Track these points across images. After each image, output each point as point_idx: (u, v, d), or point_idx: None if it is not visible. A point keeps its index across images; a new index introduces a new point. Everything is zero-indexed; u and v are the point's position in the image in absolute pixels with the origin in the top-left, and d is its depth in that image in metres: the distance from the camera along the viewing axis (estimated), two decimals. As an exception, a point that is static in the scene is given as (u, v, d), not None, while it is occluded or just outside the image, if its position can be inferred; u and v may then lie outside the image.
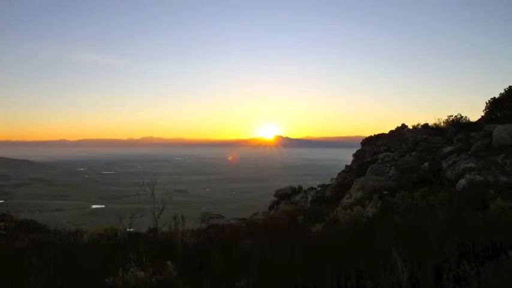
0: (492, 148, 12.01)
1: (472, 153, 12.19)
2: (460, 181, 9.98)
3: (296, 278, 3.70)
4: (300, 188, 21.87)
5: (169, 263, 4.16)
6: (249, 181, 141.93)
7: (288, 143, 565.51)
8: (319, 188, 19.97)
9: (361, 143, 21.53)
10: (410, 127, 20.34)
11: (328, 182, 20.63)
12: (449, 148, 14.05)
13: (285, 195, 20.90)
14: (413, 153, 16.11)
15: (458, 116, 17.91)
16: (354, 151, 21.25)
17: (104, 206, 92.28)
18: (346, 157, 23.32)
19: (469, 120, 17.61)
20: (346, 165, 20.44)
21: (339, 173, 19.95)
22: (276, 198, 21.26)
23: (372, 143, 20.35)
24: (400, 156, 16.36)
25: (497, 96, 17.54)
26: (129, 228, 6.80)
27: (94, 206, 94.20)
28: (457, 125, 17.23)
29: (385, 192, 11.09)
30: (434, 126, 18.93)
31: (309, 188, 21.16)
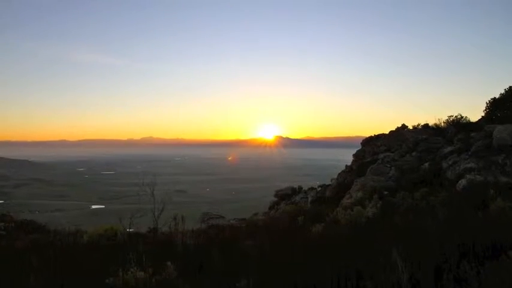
0: (492, 148, 12.00)
1: (472, 154, 12.19)
2: (460, 181, 9.97)
3: (296, 278, 3.69)
4: (300, 188, 21.87)
5: (169, 263, 4.16)
6: (249, 181, 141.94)
7: (288, 143, 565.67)
8: (319, 188, 19.97)
9: (361, 143, 21.52)
10: (411, 127, 20.34)
11: (328, 182, 20.63)
12: (449, 148, 14.05)
13: (285, 195, 20.90)
14: (414, 153, 16.10)
15: (459, 116, 17.92)
16: (354, 151, 21.25)
17: (103, 206, 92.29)
18: (346, 157, 23.32)
19: (469, 120, 17.62)
20: (346, 166, 20.43)
21: (339, 173, 19.94)
22: (276, 199, 21.25)
23: (372, 143, 20.35)
24: (400, 157, 16.36)
25: (497, 96, 17.54)
26: (129, 228, 6.79)
27: (94, 206, 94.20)
28: (458, 125, 17.23)
29: (385, 193, 11.08)
30: (434, 127, 18.92)
31: (309, 188, 21.16)
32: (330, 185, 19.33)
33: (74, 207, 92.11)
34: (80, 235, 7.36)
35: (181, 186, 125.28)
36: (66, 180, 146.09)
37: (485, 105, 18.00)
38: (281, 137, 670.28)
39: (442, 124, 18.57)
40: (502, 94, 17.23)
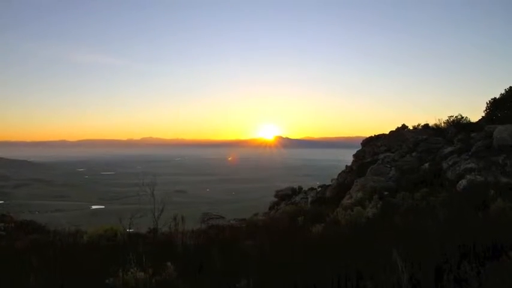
0: (493, 149, 12.00)
1: (472, 154, 12.18)
2: (460, 182, 9.97)
3: (296, 279, 3.69)
4: (300, 188, 21.87)
5: (169, 263, 4.15)
6: (249, 181, 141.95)
7: (288, 143, 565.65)
8: (320, 189, 19.97)
9: (361, 144, 21.53)
10: (411, 127, 20.35)
11: (328, 182, 20.63)
12: (449, 149, 14.04)
13: (285, 195, 20.90)
14: (414, 153, 16.10)
15: (459, 117, 17.93)
16: (354, 151, 21.25)
17: (103, 207, 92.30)
18: (347, 157, 23.32)
19: (469, 120, 17.62)
20: (346, 166, 20.43)
21: (339, 174, 19.94)
22: (276, 199, 21.25)
23: (372, 143, 20.35)
24: (400, 157, 16.35)
25: (497, 96, 17.53)
26: (129, 228, 6.79)
27: (94, 207, 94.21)
28: (458, 125, 17.23)
29: (386, 193, 11.07)
30: (434, 127, 18.93)
31: (309, 189, 21.15)
32: (330, 185, 19.32)
33: (74, 208, 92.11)
34: (80, 235, 7.35)
35: (181, 186, 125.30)
36: (66, 181, 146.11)
37: (485, 105, 18.01)
38: (281, 137, 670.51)
39: (442, 124, 18.57)
40: (502, 94, 17.23)
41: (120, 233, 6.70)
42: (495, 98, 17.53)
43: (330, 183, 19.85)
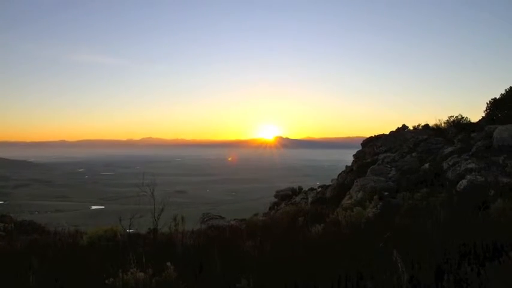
0: (493, 149, 12.00)
1: (472, 154, 12.18)
2: (460, 182, 9.95)
3: (296, 279, 3.68)
4: (300, 188, 21.85)
5: (169, 264, 4.14)
6: (249, 182, 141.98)
7: (288, 143, 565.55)
8: (320, 189, 19.96)
9: (361, 144, 21.53)
10: (411, 128, 20.36)
11: (328, 182, 20.62)
12: (450, 149, 14.03)
13: (285, 196, 20.89)
14: (414, 154, 16.09)
15: (459, 117, 17.93)
16: (354, 152, 21.26)
17: (103, 207, 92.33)
18: (347, 158, 23.33)
19: (469, 120, 17.62)
20: (346, 166, 20.42)
21: (339, 174, 19.93)
22: (276, 199, 21.24)
23: (372, 143, 20.35)
24: (400, 157, 16.35)
25: (498, 96, 17.52)
26: (129, 229, 6.78)
27: (94, 207, 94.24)
28: (458, 125, 17.23)
29: (386, 193, 11.06)
30: (435, 127, 18.94)
31: (309, 189, 21.14)
32: (330, 185, 19.31)
33: (74, 208, 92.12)
34: (80, 236, 7.34)
35: (181, 186, 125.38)
36: (65, 181, 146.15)
37: (485, 105, 18.01)
38: (281, 138, 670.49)
39: (443, 124, 18.58)
40: (503, 94, 17.21)
41: (120, 233, 6.69)
42: (495, 98, 17.52)
43: (330, 183, 19.84)
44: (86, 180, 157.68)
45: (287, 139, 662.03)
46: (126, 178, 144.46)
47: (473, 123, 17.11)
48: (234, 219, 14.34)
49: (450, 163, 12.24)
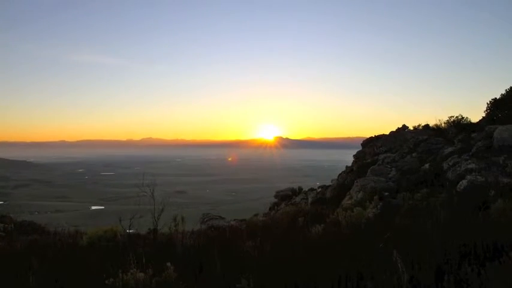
0: (493, 149, 11.99)
1: (473, 154, 12.17)
2: (461, 182, 9.95)
3: (296, 279, 3.68)
4: (300, 189, 21.84)
5: (169, 264, 4.14)
6: (249, 182, 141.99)
7: (288, 143, 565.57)
8: (320, 189, 19.95)
9: (361, 144, 21.53)
10: (411, 128, 20.36)
11: (328, 183, 20.62)
12: (450, 149, 14.03)
13: (285, 196, 20.88)
14: (414, 154, 16.09)
15: (459, 117, 17.92)
16: (354, 152, 21.25)
17: (103, 207, 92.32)
18: (347, 158, 23.33)
19: (470, 121, 17.62)
20: (346, 166, 20.42)
21: (339, 174, 19.93)
22: (276, 200, 21.23)
23: (372, 144, 20.35)
24: (400, 157, 16.35)
25: (498, 96, 17.52)
26: (129, 229, 6.77)
27: (93, 207, 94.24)
28: (458, 125, 17.23)
29: (386, 194, 11.06)
30: (435, 127, 18.94)
31: (309, 189, 21.13)
32: (330, 185, 19.31)
33: (74, 208, 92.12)
34: (80, 236, 7.33)
35: (181, 187, 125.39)
36: (65, 181, 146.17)
37: (485, 105, 18.01)
38: (281, 138, 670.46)
39: (443, 125, 18.58)
40: (503, 94, 17.21)
41: (120, 233, 6.69)
42: (495, 98, 17.52)
43: (330, 183, 19.84)
44: (85, 180, 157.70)
45: (287, 139, 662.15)
46: (126, 178, 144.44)
47: (473, 123, 17.10)
48: (234, 220, 14.33)
49: (450, 163, 12.24)
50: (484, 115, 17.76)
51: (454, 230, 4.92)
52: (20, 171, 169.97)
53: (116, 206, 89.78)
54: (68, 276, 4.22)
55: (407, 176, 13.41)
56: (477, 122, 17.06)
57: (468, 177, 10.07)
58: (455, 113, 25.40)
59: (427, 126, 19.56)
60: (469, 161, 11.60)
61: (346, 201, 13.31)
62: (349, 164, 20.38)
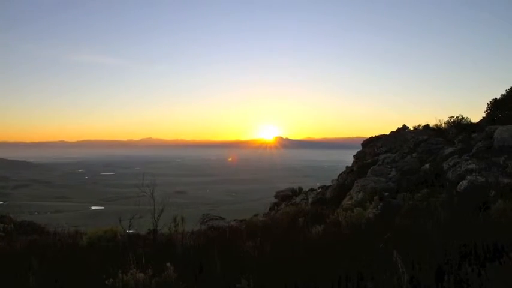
0: (494, 149, 11.99)
1: (473, 155, 12.16)
2: (461, 182, 9.94)
3: (296, 280, 3.67)
4: (300, 189, 21.82)
5: (168, 264, 4.13)
6: (249, 182, 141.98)
7: (288, 144, 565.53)
8: (320, 190, 19.94)
9: (361, 144, 21.52)
10: (411, 128, 20.34)
11: (328, 183, 20.60)
12: (450, 149, 14.02)
13: (285, 196, 20.86)
14: (414, 154, 16.08)
15: (460, 117, 17.90)
16: (354, 152, 21.24)
17: (103, 208, 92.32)
18: (347, 158, 23.32)
19: (470, 121, 17.60)
20: (346, 167, 20.40)
21: (339, 174, 19.91)
22: (276, 200, 21.21)
23: (372, 144, 20.34)
24: (401, 158, 16.34)
25: (498, 97, 17.51)
26: (129, 229, 6.77)
27: (93, 208, 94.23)
28: (458, 126, 17.21)
29: (386, 194, 11.05)
30: (435, 127, 18.92)
31: (309, 190, 21.11)
32: (330, 186, 19.29)
33: (74, 209, 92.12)
34: (80, 236, 7.33)
35: (181, 187, 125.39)
36: (65, 181, 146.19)
37: (486, 105, 17.99)
38: (281, 138, 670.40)
39: (443, 125, 18.56)
40: (503, 95, 17.20)
41: (119, 234, 6.69)
42: (496, 98, 17.51)
43: (330, 184, 19.83)
44: (85, 180, 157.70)
45: (287, 139, 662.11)
46: (126, 179, 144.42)
47: (473, 123, 17.09)
48: (234, 220, 14.33)
49: (451, 164, 12.23)
50: (484, 115, 17.76)
51: (455, 230, 4.91)
52: (20, 171, 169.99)
53: (115, 206, 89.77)
54: (67, 276, 4.21)
55: (407, 176, 13.41)
56: (477, 122, 17.04)
57: (468, 177, 10.07)
58: (456, 113, 25.37)
59: (427, 126, 19.55)
60: (470, 161, 11.59)
61: (346, 202, 13.30)
62: (349, 164, 20.37)
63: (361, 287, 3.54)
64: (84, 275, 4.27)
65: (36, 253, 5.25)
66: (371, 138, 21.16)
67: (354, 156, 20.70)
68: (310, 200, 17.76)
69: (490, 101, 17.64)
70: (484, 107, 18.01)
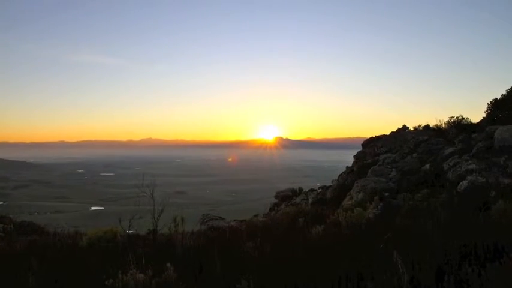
0: (494, 149, 11.98)
1: (473, 155, 12.16)
2: (461, 183, 9.94)
3: (296, 280, 3.67)
4: (301, 189, 21.81)
5: (168, 265, 4.13)
6: (249, 183, 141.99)
7: (288, 144, 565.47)
8: (320, 190, 19.93)
9: (361, 145, 21.51)
10: (412, 128, 20.34)
11: (328, 183, 20.60)
12: (450, 149, 14.02)
13: (286, 196, 20.86)
14: (415, 154, 16.08)
15: (460, 117, 17.89)
16: (354, 152, 21.23)
17: (103, 208, 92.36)
18: (347, 158, 23.31)
19: (470, 121, 17.59)
20: (346, 167, 20.40)
21: (339, 175, 19.91)
22: (276, 200, 21.21)
23: (372, 144, 20.33)
24: (401, 158, 16.33)
25: (498, 97, 17.50)
26: (129, 230, 6.77)
27: (93, 208, 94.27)
28: (459, 126, 17.20)
29: (386, 194, 11.04)
30: (435, 128, 18.91)
31: (309, 190, 21.11)
32: (330, 186, 19.29)
33: (73, 209, 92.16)
34: (79, 237, 7.32)
35: (181, 187, 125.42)
36: (65, 182, 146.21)
37: (486, 106, 17.98)
38: (281, 138, 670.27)
39: (443, 125, 18.55)
40: (504, 95, 17.19)
41: (119, 234, 6.68)
42: (496, 98, 17.49)
43: (331, 184, 19.82)
44: (85, 181, 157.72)
45: (287, 140, 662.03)
46: (126, 179, 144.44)
47: (474, 123, 17.08)
48: (234, 220, 14.32)
49: (451, 164, 12.23)
50: (484, 115, 17.74)
51: (455, 230, 4.91)
52: (20, 171, 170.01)
53: (115, 206, 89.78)
54: (67, 277, 4.21)
55: (407, 176, 13.40)
56: (478, 123, 17.04)
57: (469, 177, 10.06)
58: (456, 113, 25.33)
59: (427, 126, 19.54)
60: (470, 161, 11.59)
61: (346, 202, 13.29)
62: (350, 165, 20.36)
63: (361, 287, 3.54)
64: (84, 275, 4.26)
65: (36, 253, 5.24)
66: (371, 138, 21.15)
67: (354, 156, 20.69)
68: (310, 200, 17.75)
69: (491, 101, 17.62)
70: (484, 107, 18.01)
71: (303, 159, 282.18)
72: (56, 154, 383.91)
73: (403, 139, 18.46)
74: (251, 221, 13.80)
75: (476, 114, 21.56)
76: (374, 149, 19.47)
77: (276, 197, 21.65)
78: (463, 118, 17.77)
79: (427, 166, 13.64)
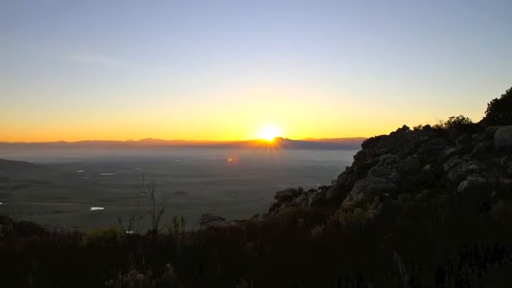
0: (494, 150, 11.98)
1: (474, 155, 12.16)
2: (462, 183, 9.93)
3: (296, 280, 3.66)
4: (301, 190, 21.81)
5: (168, 265, 4.12)
6: (249, 183, 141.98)
7: (289, 144, 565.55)
8: (320, 190, 19.93)
9: (362, 145, 21.51)
10: (412, 128, 20.34)
11: (328, 183, 20.59)
12: (451, 150, 14.02)
13: (286, 197, 20.85)
14: (415, 154, 16.07)
15: (460, 118, 17.89)
16: (354, 153, 21.22)
17: (103, 208, 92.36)
18: (347, 159, 23.31)
19: (470, 121, 17.59)
20: (346, 167, 20.40)
21: (339, 175, 19.90)
22: (276, 200, 21.20)
23: (372, 144, 20.33)
24: (401, 158, 16.33)
25: (499, 97, 17.49)
26: (129, 230, 6.76)
27: (93, 208, 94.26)
28: (459, 126, 17.21)
29: (386, 194, 11.04)
30: (435, 128, 18.91)
31: (309, 190, 21.10)
32: (330, 186, 19.28)
33: (73, 209, 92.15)
34: (79, 237, 7.32)
35: (181, 187, 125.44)
36: (65, 182, 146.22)
37: (486, 106, 17.97)
38: (281, 139, 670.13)
39: (444, 125, 18.55)
40: (504, 95, 17.19)
41: (119, 234, 6.67)
42: (496, 98, 17.49)
43: (331, 184, 19.82)
44: (85, 181, 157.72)
45: (287, 140, 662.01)
46: (126, 179, 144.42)
47: (474, 124, 17.08)
48: (234, 221, 14.31)
49: (451, 164, 12.23)
50: (484, 116, 17.74)
51: (455, 230, 4.90)
52: (19, 172, 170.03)
53: (115, 206, 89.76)
54: (67, 277, 4.20)
55: (407, 176, 13.40)
56: (478, 123, 17.03)
57: (469, 178, 10.05)
58: (456, 113, 25.32)
59: (427, 126, 19.54)
60: (470, 161, 11.58)
61: (346, 202, 13.29)
62: (350, 165, 20.35)
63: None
64: (84, 275, 4.26)
65: (35, 254, 5.24)
66: (371, 138, 21.15)
67: (354, 156, 20.68)
68: (310, 200, 17.75)
69: (491, 101, 17.62)
70: (485, 107, 18.00)
71: (303, 159, 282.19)
72: (55, 154, 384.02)
73: (403, 139, 18.46)
74: (251, 221, 13.79)
75: (476, 115, 21.56)
76: (374, 149, 19.47)
77: (276, 197, 21.65)
78: (464, 118, 17.78)
79: (428, 166, 13.64)
